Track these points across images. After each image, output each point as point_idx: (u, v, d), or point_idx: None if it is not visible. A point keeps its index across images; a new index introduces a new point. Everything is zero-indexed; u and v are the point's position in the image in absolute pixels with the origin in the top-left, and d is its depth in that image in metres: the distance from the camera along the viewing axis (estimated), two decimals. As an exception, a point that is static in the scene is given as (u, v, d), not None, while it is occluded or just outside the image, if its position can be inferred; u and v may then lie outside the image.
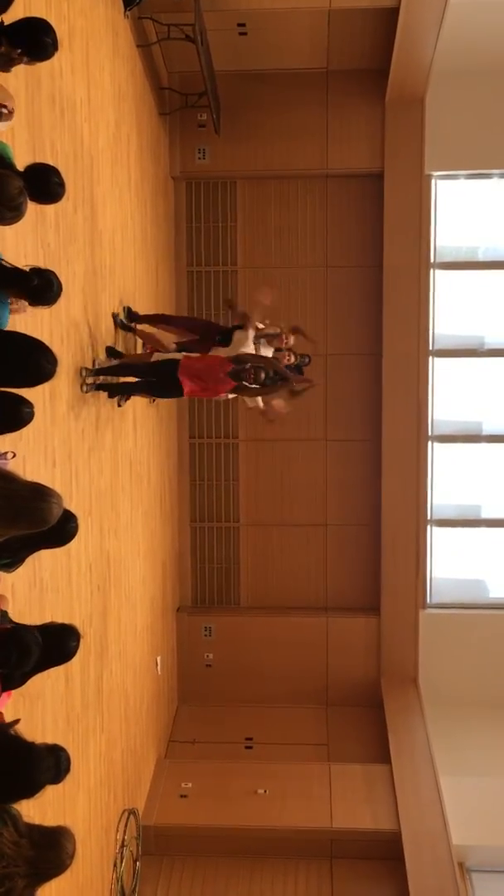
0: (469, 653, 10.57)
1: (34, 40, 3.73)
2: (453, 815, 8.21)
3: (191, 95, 9.54)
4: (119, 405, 7.03)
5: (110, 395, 6.68)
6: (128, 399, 7.14)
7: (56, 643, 3.39)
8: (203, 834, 8.18)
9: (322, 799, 8.56)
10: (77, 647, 3.44)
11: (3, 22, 3.72)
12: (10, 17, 4.14)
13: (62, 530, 3.40)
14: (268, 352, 8.05)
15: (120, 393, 6.75)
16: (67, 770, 3.06)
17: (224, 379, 6.43)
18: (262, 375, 6.52)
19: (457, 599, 10.97)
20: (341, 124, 10.29)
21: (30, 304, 3.82)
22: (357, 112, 10.26)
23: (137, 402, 8.07)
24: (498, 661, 10.52)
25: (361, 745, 9.82)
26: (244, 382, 6.48)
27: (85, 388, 6.03)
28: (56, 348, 5.28)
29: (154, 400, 9.15)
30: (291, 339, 8.04)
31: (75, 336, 5.93)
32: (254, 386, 6.60)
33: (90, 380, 6.11)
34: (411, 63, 9.28)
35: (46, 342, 4.59)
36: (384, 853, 7.99)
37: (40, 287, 3.66)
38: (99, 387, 6.29)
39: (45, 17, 5.09)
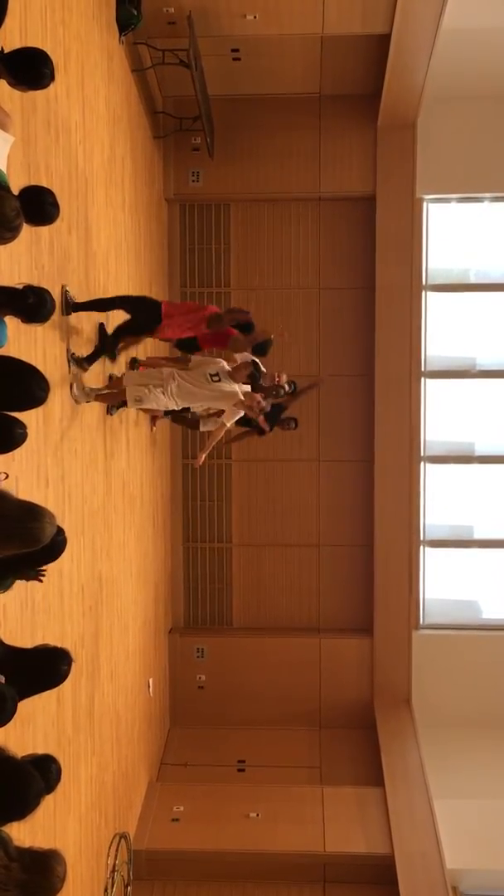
0: (462, 674, 10.54)
1: (32, 71, 3.78)
2: (447, 838, 8.15)
3: (185, 119, 9.65)
4: (110, 413, 6.97)
5: (107, 410, 6.67)
6: (118, 409, 7.07)
7: (47, 667, 3.37)
8: (195, 858, 8.10)
9: (315, 822, 8.49)
10: (69, 670, 3.42)
11: (3, 50, 3.77)
12: (8, 45, 4.19)
13: (51, 545, 3.39)
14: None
15: (104, 348, 6.66)
16: (58, 779, 3.04)
17: (203, 320, 6.65)
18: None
19: (450, 620, 10.95)
20: (334, 148, 10.41)
21: (24, 322, 3.83)
22: (349, 136, 10.38)
23: (131, 423, 8.09)
24: (491, 681, 10.50)
25: (354, 767, 9.76)
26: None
27: (75, 390, 6.01)
28: (49, 369, 5.31)
29: (154, 426, 9.17)
30: (284, 378, 8.23)
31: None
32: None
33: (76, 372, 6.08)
34: (403, 88, 9.40)
35: (40, 363, 4.62)
36: (377, 877, 7.91)
37: (34, 305, 3.68)
38: (81, 360, 6.18)
39: (41, 42, 5.17)
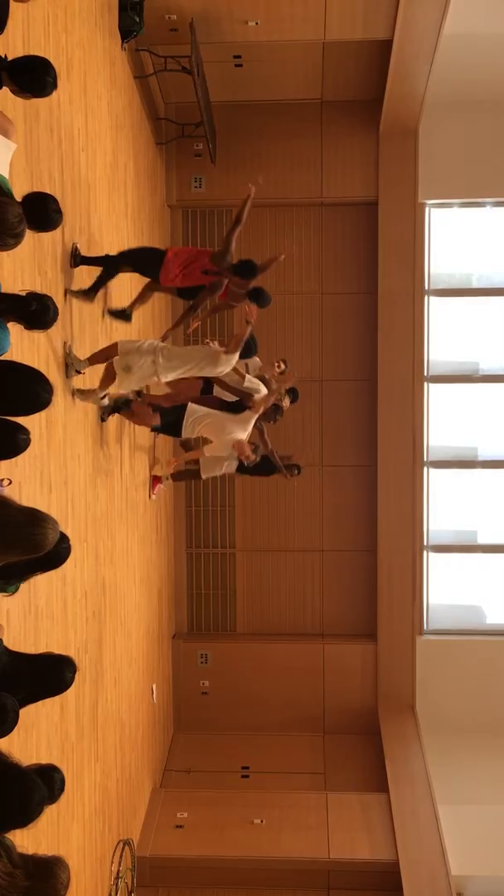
0: (466, 679, 10.51)
1: (35, 79, 3.79)
2: (452, 844, 8.12)
3: (187, 125, 9.67)
4: (102, 419, 6.81)
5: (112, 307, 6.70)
6: (111, 414, 6.92)
7: (52, 674, 3.36)
8: (198, 865, 8.08)
9: (319, 829, 8.46)
10: (73, 678, 3.41)
11: (6, 57, 3.78)
12: (11, 53, 4.21)
13: (55, 552, 3.38)
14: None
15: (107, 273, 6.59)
16: (62, 790, 3.03)
17: (200, 276, 6.68)
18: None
19: (454, 626, 10.93)
20: (336, 154, 10.43)
21: (25, 329, 3.84)
22: (351, 142, 10.40)
23: (134, 429, 8.08)
24: (495, 687, 10.47)
25: (358, 773, 9.74)
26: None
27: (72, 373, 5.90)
28: (52, 375, 5.32)
29: (154, 492, 9.13)
30: (283, 366, 8.23)
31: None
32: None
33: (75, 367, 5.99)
34: (405, 94, 9.42)
35: (43, 368, 4.62)
36: (382, 884, 7.89)
37: (37, 312, 3.68)
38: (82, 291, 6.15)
39: (44, 48, 5.19)
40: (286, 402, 8.09)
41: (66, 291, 5.88)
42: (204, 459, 8.18)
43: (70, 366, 5.81)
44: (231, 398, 7.71)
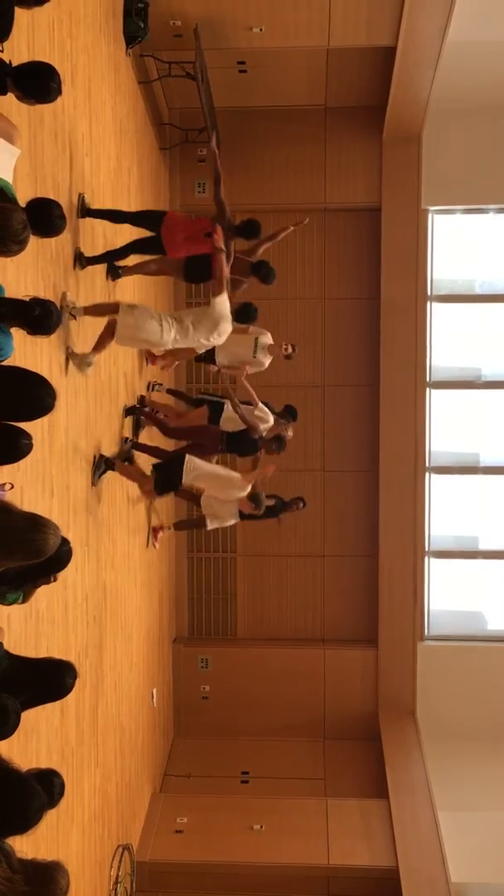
0: (467, 685, 10.50)
1: (40, 85, 3.81)
2: (452, 851, 8.10)
3: (191, 131, 9.70)
4: (94, 484, 6.47)
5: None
6: (104, 473, 6.62)
7: (52, 679, 3.37)
8: (198, 870, 8.07)
9: (318, 835, 8.45)
10: (73, 683, 3.42)
11: (11, 63, 3.80)
12: (16, 59, 4.22)
13: (57, 556, 3.39)
14: (265, 359, 8.17)
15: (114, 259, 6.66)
16: (61, 794, 3.03)
17: (205, 240, 6.62)
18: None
19: (455, 631, 10.92)
20: (339, 160, 10.45)
21: (29, 334, 3.85)
22: (355, 148, 10.43)
23: (137, 436, 8.09)
24: (496, 693, 10.45)
25: (358, 779, 9.72)
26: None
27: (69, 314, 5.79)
28: (54, 378, 5.32)
29: (157, 541, 9.14)
30: (290, 348, 8.33)
31: (73, 367, 5.95)
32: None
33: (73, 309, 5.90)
34: (408, 100, 9.44)
35: (45, 373, 4.63)
36: (381, 891, 7.87)
37: (40, 317, 3.70)
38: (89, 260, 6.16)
39: (48, 55, 5.21)
40: (290, 433, 8.07)
41: (77, 259, 5.93)
42: (208, 505, 7.97)
43: (79, 365, 5.86)
44: (236, 426, 7.67)
